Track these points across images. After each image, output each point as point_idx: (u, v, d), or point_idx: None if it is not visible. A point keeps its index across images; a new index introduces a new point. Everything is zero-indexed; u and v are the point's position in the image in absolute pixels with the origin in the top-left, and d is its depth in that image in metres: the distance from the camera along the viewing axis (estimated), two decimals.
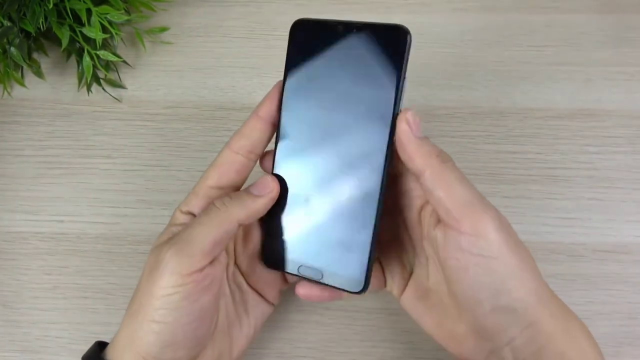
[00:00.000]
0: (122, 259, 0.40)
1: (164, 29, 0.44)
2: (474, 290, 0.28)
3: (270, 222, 0.32)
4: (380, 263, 0.34)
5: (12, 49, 0.40)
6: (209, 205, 0.31)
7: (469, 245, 0.27)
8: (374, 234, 0.30)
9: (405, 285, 0.33)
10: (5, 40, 0.40)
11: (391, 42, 0.29)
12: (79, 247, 0.40)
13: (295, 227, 0.32)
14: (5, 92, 0.43)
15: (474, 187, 0.29)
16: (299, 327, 0.37)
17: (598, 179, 0.40)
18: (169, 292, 0.28)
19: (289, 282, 0.35)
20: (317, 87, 0.31)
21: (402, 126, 0.29)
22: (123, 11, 0.41)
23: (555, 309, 0.29)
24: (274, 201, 0.31)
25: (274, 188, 0.31)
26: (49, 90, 0.44)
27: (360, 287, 0.30)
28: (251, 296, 0.34)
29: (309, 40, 0.31)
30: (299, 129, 0.31)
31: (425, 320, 0.33)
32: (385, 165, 0.29)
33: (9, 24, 0.38)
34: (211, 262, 0.29)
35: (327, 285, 0.31)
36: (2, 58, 0.40)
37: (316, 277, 0.31)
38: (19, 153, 0.42)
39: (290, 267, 0.32)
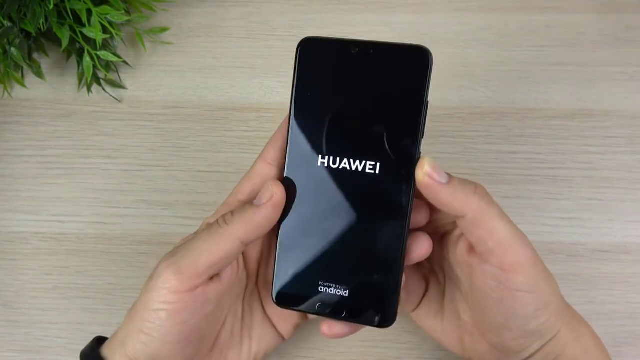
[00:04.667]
0: (122, 259, 0.40)
1: (164, 29, 0.44)
2: (506, 319, 0.28)
3: (283, 252, 0.29)
4: None
5: (13, 49, 0.40)
6: (214, 221, 0.29)
7: (507, 281, 0.27)
8: (401, 264, 0.28)
9: (420, 301, 0.33)
10: (5, 40, 0.40)
11: (412, 64, 0.27)
12: (79, 247, 0.40)
13: (312, 258, 0.29)
14: (6, 93, 0.43)
15: (511, 221, 0.28)
16: (299, 327, 0.37)
17: (598, 179, 0.40)
18: (155, 307, 0.27)
19: (308, 319, 0.33)
20: (329, 110, 0.28)
21: (425, 181, 0.27)
22: (123, 11, 0.41)
23: (568, 318, 0.30)
24: (278, 210, 0.28)
25: (275, 193, 0.28)
26: (49, 90, 0.44)
27: (389, 322, 0.28)
28: (261, 324, 0.32)
29: (320, 61, 0.28)
30: (309, 157, 0.29)
31: (442, 336, 0.32)
32: (411, 194, 0.28)
33: (9, 24, 0.38)
34: (208, 283, 0.28)
35: (348, 322, 0.29)
36: (2, 58, 0.40)
37: (337, 316, 0.29)
38: (19, 153, 0.42)
39: (307, 305, 0.29)
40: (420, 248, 0.29)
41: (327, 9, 0.45)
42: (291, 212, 0.29)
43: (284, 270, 0.29)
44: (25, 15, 0.38)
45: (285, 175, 0.29)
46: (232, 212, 0.28)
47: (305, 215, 0.29)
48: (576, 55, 0.43)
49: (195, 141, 0.42)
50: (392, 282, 0.28)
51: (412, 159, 0.27)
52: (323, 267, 0.29)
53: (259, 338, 0.32)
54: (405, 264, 0.28)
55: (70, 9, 0.39)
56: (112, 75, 0.43)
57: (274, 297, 0.29)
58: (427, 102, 0.27)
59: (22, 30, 0.39)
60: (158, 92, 0.43)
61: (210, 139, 0.42)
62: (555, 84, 0.42)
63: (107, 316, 0.39)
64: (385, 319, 0.28)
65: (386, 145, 0.27)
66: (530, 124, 0.41)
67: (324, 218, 0.29)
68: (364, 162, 0.28)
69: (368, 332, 0.38)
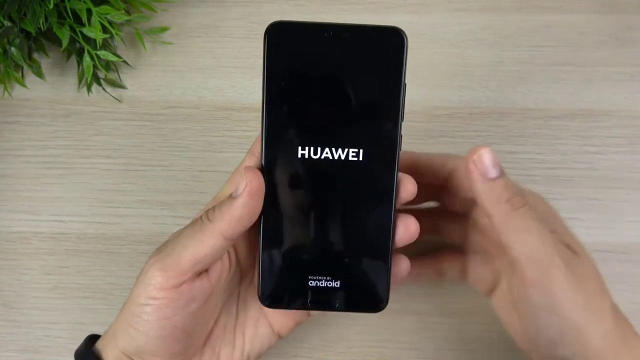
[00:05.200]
0: (122, 259, 0.40)
1: (164, 29, 0.44)
2: (534, 335, 0.28)
3: (266, 248, 0.28)
4: (438, 257, 0.34)
5: (13, 49, 0.40)
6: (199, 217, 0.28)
7: (536, 296, 0.27)
8: (391, 248, 0.28)
9: (494, 285, 0.32)
10: (5, 40, 0.40)
11: (387, 46, 0.26)
12: (79, 247, 0.40)
13: (299, 252, 0.28)
14: (6, 92, 0.43)
15: (546, 233, 0.27)
16: (299, 327, 0.37)
17: (598, 179, 0.40)
18: (142, 302, 0.27)
19: (310, 316, 0.33)
20: (304, 98, 0.27)
21: (469, 166, 0.27)
22: (123, 11, 0.41)
23: (615, 332, 0.28)
24: (256, 198, 0.27)
25: (250, 180, 0.26)
26: (49, 90, 0.44)
27: (383, 305, 0.28)
28: (256, 322, 0.32)
29: (291, 47, 0.27)
30: (288, 146, 0.27)
31: (514, 328, 0.31)
32: (395, 178, 0.27)
33: (9, 24, 0.38)
34: (193, 280, 0.27)
35: (344, 311, 0.29)
36: (2, 58, 0.40)
37: (330, 308, 0.28)
38: (19, 153, 0.42)
39: (298, 302, 0.28)
40: (406, 231, 0.28)
41: (327, 9, 0.45)
42: (273, 206, 0.28)
43: (270, 268, 0.28)
44: (25, 15, 0.38)
45: (263, 164, 0.28)
46: (214, 208, 0.27)
47: (288, 209, 0.28)
48: (576, 55, 0.43)
49: (195, 141, 0.42)
50: (383, 266, 0.28)
51: (394, 143, 0.27)
52: (311, 260, 0.28)
53: (253, 336, 0.32)
54: (394, 247, 0.28)
55: (70, 9, 0.39)
56: (112, 75, 0.43)
57: (261, 297, 0.29)
58: (405, 84, 0.27)
59: (22, 30, 0.39)
60: (158, 92, 0.43)
61: (210, 139, 0.42)
62: (555, 84, 0.42)
63: (107, 316, 0.39)
64: (379, 303, 0.28)
65: (367, 131, 0.27)
66: (530, 124, 0.41)
67: (308, 210, 0.28)
68: (346, 150, 0.27)
69: (368, 332, 0.38)
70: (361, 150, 0.27)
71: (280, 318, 0.32)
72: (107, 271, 0.40)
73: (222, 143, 0.42)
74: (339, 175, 0.27)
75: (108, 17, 0.40)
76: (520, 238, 0.27)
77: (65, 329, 0.39)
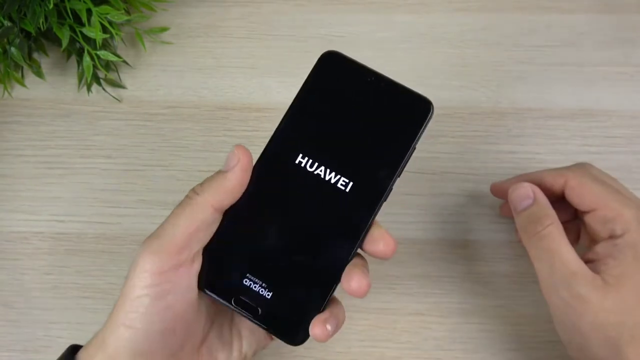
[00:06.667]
0: (122, 259, 0.40)
1: (164, 29, 0.44)
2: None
3: (223, 235, 0.28)
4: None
5: (13, 49, 0.40)
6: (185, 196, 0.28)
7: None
8: (333, 289, 0.28)
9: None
10: (5, 40, 0.40)
11: (413, 110, 0.29)
12: (79, 247, 0.40)
13: (250, 248, 0.28)
14: (6, 92, 0.43)
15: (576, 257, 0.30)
16: None
17: None
18: (138, 294, 0.26)
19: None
20: (326, 119, 0.29)
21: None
22: (123, 11, 0.41)
23: None
24: (246, 173, 0.28)
25: (241, 156, 0.28)
26: (49, 90, 0.44)
27: (298, 341, 0.28)
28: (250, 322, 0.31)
29: (335, 74, 0.30)
30: (294, 145, 0.29)
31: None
32: (369, 223, 0.28)
33: (9, 24, 0.38)
34: (191, 264, 0.27)
35: (259, 325, 0.28)
36: (2, 58, 0.40)
37: (250, 315, 0.28)
38: (19, 153, 0.42)
39: (226, 295, 0.28)
40: (353, 281, 0.27)
41: (327, 9, 0.45)
42: (246, 198, 0.28)
43: (218, 251, 0.28)
44: (25, 15, 0.38)
45: (257, 160, 0.29)
46: (201, 183, 0.28)
47: (260, 203, 0.29)
48: (576, 55, 0.43)
49: (195, 141, 0.42)
50: (318, 302, 0.28)
51: (382, 190, 0.28)
52: (257, 261, 0.28)
53: (249, 336, 0.31)
54: (335, 291, 0.28)
55: (70, 9, 0.39)
56: (112, 75, 0.43)
57: (199, 278, 0.28)
58: (415, 147, 0.29)
59: (22, 30, 0.39)
60: (158, 92, 0.43)
61: (210, 139, 0.42)
62: (555, 84, 0.42)
63: (107, 316, 0.39)
64: (296, 336, 0.28)
65: (364, 170, 0.28)
66: (530, 124, 0.41)
67: (277, 214, 0.29)
68: (338, 176, 0.28)
69: (368, 332, 0.38)
70: (351, 183, 0.28)
71: (247, 338, 0.31)
72: (107, 271, 0.40)
73: (222, 143, 0.42)
74: (321, 195, 0.28)
75: (108, 17, 0.40)
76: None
77: (65, 329, 0.39)
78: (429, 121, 0.29)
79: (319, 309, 0.28)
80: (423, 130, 0.29)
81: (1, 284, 0.40)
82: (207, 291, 0.28)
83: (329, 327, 0.27)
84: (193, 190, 0.28)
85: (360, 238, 0.28)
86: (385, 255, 0.28)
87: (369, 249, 0.28)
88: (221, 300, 0.28)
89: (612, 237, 0.30)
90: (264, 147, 0.30)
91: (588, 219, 0.32)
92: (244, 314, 0.28)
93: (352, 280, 0.27)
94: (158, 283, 0.26)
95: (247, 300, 0.28)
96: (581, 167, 0.33)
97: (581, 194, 0.31)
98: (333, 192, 0.28)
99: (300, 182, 0.29)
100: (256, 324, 0.28)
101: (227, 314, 0.31)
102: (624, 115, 0.41)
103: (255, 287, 0.28)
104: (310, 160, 0.29)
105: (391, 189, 0.28)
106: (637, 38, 0.43)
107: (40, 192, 0.41)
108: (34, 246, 0.40)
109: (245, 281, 0.28)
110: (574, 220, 0.35)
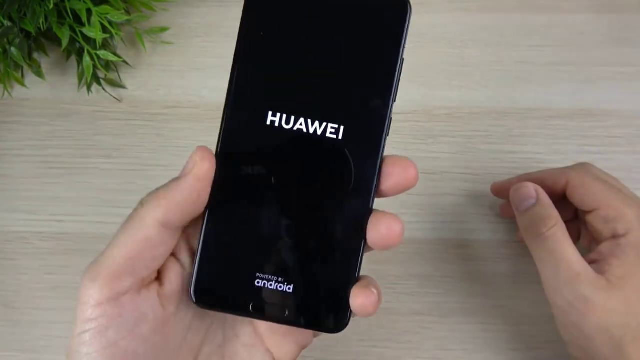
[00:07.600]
0: None
1: (164, 29, 0.44)
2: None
3: (209, 236, 0.23)
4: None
5: (13, 49, 0.40)
6: None
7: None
8: (362, 253, 0.23)
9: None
10: (5, 40, 0.40)
11: (387, 15, 0.23)
12: (79, 247, 0.40)
13: (249, 245, 0.23)
14: (6, 92, 0.43)
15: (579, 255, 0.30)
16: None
17: None
18: (79, 331, 0.21)
19: (315, 336, 0.26)
20: (286, 57, 0.23)
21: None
22: (123, 11, 0.41)
23: None
24: (203, 182, 0.22)
25: (199, 160, 0.22)
26: (49, 90, 0.44)
27: (342, 326, 0.23)
28: (250, 349, 0.25)
29: (276, 8, 0.23)
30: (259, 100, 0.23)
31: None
32: (377, 167, 0.23)
33: (9, 24, 0.38)
34: (139, 291, 0.22)
35: (291, 324, 0.23)
36: (2, 58, 0.40)
37: (277, 318, 0.23)
38: (19, 153, 0.42)
39: (237, 304, 0.23)
40: (388, 230, 0.23)
41: None
42: (227, 181, 0.23)
43: (210, 259, 0.23)
44: (25, 14, 0.38)
45: (222, 135, 0.24)
46: (151, 192, 0.23)
47: (244, 187, 0.23)
48: (576, 55, 0.43)
49: (195, 141, 0.42)
50: (349, 274, 0.23)
51: (381, 124, 0.23)
52: (264, 255, 0.23)
53: (280, 341, 0.25)
54: (365, 251, 0.24)
55: (70, 9, 0.39)
56: (112, 75, 0.43)
57: (192, 292, 0.23)
58: (403, 59, 0.23)
59: (22, 30, 0.39)
60: (158, 92, 0.43)
61: (210, 139, 0.42)
62: (555, 84, 0.42)
63: None
64: (339, 322, 0.23)
65: (352, 107, 0.23)
66: (530, 124, 0.41)
67: (266, 193, 0.23)
68: (324, 124, 0.23)
69: (368, 332, 0.38)
70: (342, 127, 0.23)
71: (281, 342, 0.25)
72: None
73: None
74: (311, 154, 0.23)
75: (108, 17, 0.40)
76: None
77: (65, 329, 0.39)
78: (409, 21, 0.23)
79: (354, 278, 0.23)
80: (407, 34, 0.23)
81: (1, 284, 0.40)
82: (214, 309, 0.23)
83: (373, 289, 0.22)
84: (141, 200, 0.23)
85: (375, 182, 0.23)
86: (391, 239, 0.23)
87: (371, 237, 0.23)
88: (235, 314, 0.24)
89: (614, 236, 0.30)
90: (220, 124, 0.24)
91: (590, 218, 0.32)
92: (269, 319, 0.23)
93: (380, 225, 0.22)
94: (97, 316, 0.21)
95: (266, 304, 0.23)
96: (582, 167, 0.33)
97: (583, 194, 0.31)
98: (325, 145, 0.23)
99: (282, 146, 0.23)
100: (287, 324, 0.23)
101: (218, 341, 0.25)
102: (624, 115, 0.41)
103: (271, 285, 0.23)
104: (285, 115, 0.23)
105: (391, 119, 0.23)
106: (636, 38, 0.43)
107: (39, 192, 0.41)
108: (33, 246, 0.40)
109: (258, 282, 0.23)
110: (574, 220, 0.35)
